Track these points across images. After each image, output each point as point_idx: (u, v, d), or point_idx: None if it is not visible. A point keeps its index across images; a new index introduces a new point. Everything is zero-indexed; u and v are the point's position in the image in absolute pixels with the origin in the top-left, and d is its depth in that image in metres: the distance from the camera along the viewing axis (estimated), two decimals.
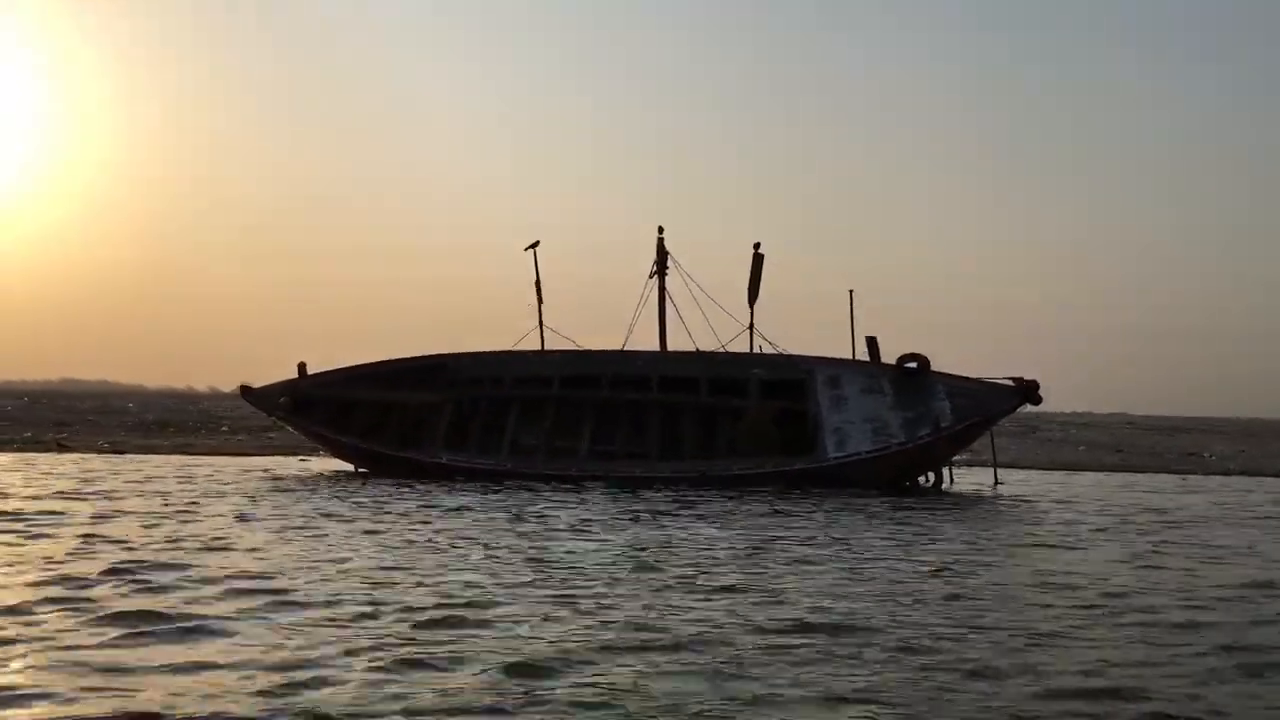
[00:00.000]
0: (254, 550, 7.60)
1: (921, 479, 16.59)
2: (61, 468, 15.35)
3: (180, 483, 13.38)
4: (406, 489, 13.37)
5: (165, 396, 46.86)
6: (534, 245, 17.79)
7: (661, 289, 17.70)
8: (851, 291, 17.06)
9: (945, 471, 17.14)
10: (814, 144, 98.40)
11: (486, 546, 8.12)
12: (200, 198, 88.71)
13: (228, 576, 6.41)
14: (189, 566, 6.75)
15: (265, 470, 16.31)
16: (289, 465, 17.81)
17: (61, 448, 19.75)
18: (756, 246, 17.48)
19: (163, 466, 16.50)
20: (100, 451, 19.52)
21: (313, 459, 18.55)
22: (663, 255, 17.69)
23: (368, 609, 5.51)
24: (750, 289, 17.47)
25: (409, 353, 17.67)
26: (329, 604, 5.64)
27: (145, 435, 23.80)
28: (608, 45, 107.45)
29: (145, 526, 8.72)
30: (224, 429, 26.25)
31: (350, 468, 16.67)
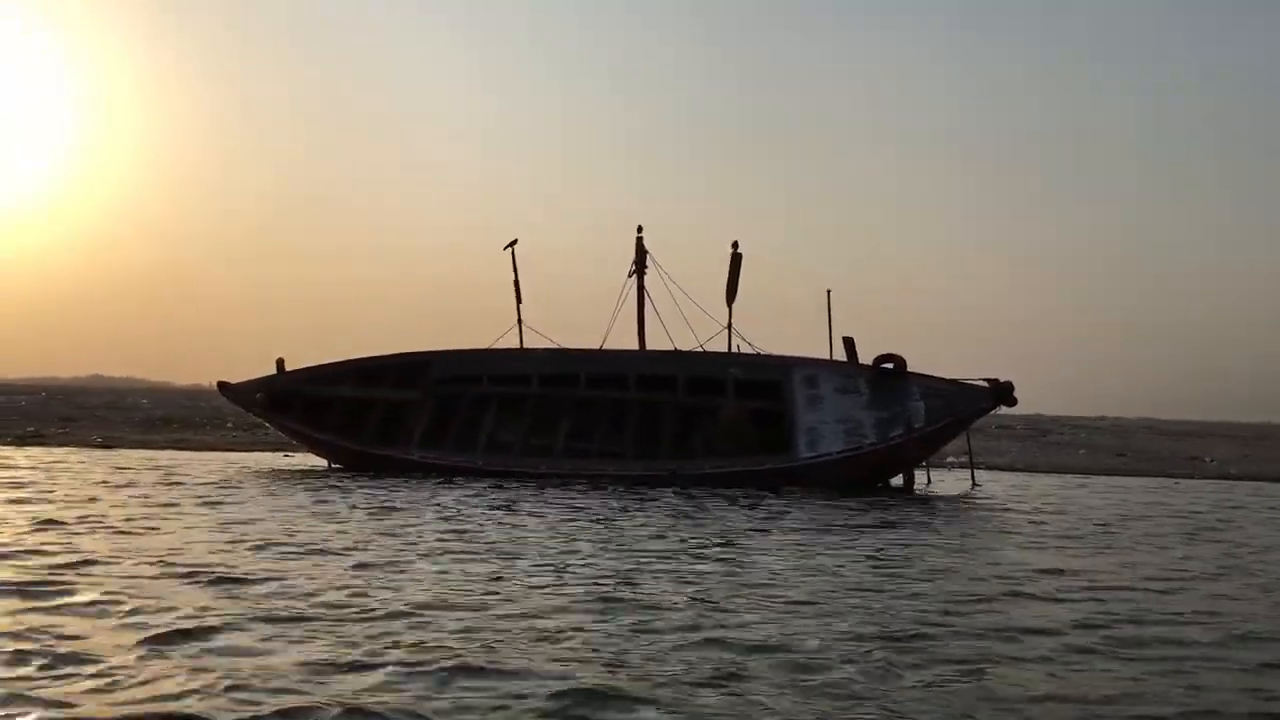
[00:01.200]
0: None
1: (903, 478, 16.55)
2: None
3: (118, 475, 13.59)
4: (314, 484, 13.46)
5: (191, 394, 47.52)
6: (512, 244, 17.90)
7: (640, 288, 17.73)
8: (829, 291, 17.03)
9: (924, 472, 17.16)
10: (796, 144, 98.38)
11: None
12: (217, 200, 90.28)
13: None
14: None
15: (234, 465, 16.52)
16: (268, 461, 18.01)
17: (34, 441, 20.20)
18: (735, 246, 17.48)
19: (130, 460, 16.75)
20: (93, 446, 19.85)
21: (296, 455, 18.74)
22: (642, 254, 17.72)
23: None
24: (729, 288, 17.47)
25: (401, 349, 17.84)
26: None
27: (145, 431, 24.14)
28: (591, 47, 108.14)
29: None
30: (228, 425, 26.56)
31: (325, 464, 16.84)
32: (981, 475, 19.77)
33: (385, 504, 11.03)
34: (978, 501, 14.58)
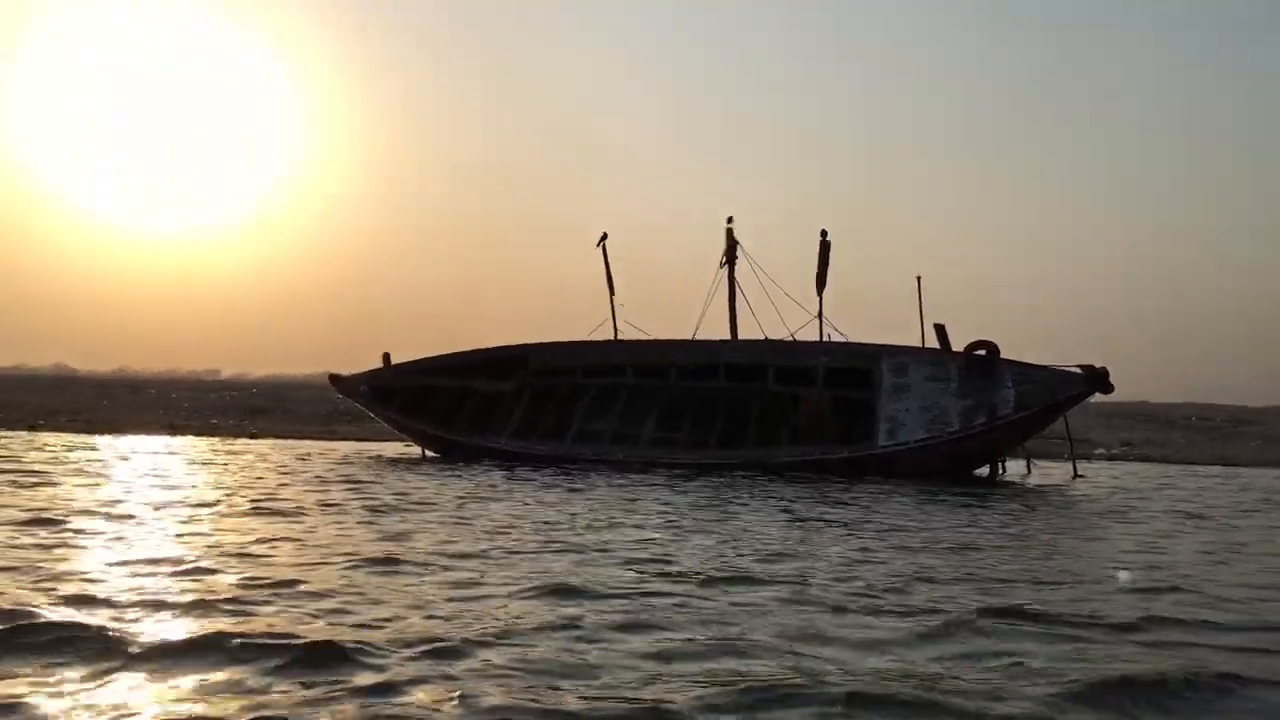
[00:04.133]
0: None
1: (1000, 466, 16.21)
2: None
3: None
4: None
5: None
6: (603, 239, 18.31)
7: (731, 279, 17.84)
8: (919, 278, 16.77)
9: (1026, 462, 16.82)
10: (885, 131, 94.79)
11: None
12: (415, 222, 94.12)
13: None
14: None
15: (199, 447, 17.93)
16: (253, 447, 19.15)
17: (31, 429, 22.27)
18: (824, 234, 17.41)
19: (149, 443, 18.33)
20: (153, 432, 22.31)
21: (304, 447, 19.83)
22: (732, 245, 17.86)
23: None
24: (818, 277, 17.40)
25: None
26: None
27: (244, 418, 25.99)
28: (680, 39, 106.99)
29: None
30: (346, 419, 27.39)
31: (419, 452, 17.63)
32: (1127, 467, 18.90)
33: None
34: (1039, 493, 13.42)
